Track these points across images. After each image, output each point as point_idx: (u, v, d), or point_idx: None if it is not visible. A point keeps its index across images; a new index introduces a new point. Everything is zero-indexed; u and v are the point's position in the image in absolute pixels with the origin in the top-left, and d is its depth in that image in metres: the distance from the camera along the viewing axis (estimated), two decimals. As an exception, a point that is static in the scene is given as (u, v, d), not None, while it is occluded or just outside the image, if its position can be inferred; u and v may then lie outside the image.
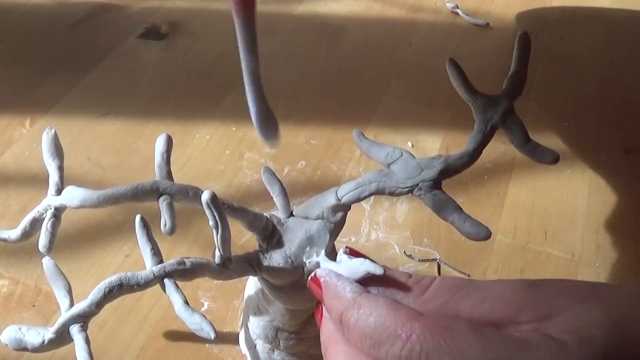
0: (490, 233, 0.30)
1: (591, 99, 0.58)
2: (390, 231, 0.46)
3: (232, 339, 0.40)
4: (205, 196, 0.27)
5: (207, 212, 0.28)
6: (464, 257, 0.45)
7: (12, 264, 0.43)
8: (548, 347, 0.24)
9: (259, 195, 0.48)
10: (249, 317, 0.37)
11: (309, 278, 0.30)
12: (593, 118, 0.56)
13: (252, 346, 0.37)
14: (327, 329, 0.29)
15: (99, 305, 0.27)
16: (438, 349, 0.24)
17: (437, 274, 0.44)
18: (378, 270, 0.27)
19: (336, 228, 0.32)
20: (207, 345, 0.39)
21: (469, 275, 0.43)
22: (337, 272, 0.29)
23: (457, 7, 0.69)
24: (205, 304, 0.41)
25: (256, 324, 0.36)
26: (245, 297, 0.38)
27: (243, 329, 0.38)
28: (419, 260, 0.44)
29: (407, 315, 0.26)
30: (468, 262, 0.44)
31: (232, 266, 0.30)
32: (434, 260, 0.44)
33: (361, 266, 0.28)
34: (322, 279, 0.29)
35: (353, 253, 0.30)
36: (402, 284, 0.28)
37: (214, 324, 0.41)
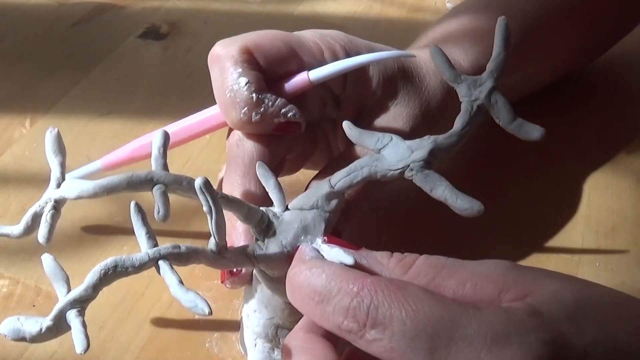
0: (483, 208, 0.30)
1: (591, 98, 0.58)
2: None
3: (232, 338, 0.40)
4: (198, 181, 0.28)
5: (201, 197, 0.28)
6: (463, 257, 0.45)
7: (12, 264, 0.43)
8: (494, 313, 0.25)
9: (259, 195, 0.48)
10: (248, 317, 0.37)
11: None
12: (593, 117, 0.56)
13: (252, 345, 0.37)
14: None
15: (95, 288, 0.27)
16: (388, 302, 0.25)
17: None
18: (347, 260, 0.28)
19: (332, 216, 0.32)
20: (207, 345, 0.39)
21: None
22: (311, 247, 0.30)
23: (457, 7, 0.69)
24: (205, 304, 0.41)
25: (256, 323, 0.36)
26: (245, 296, 0.38)
27: (243, 328, 0.38)
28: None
29: (360, 274, 0.26)
30: (468, 262, 0.44)
31: (228, 255, 0.30)
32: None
33: (336, 256, 0.28)
34: (300, 248, 0.30)
35: (332, 241, 0.31)
36: (376, 272, 0.28)
37: (213, 324, 0.41)
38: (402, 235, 0.46)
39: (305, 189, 0.38)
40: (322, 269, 0.27)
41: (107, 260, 0.28)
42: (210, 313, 0.27)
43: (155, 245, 0.29)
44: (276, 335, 0.36)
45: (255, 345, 0.37)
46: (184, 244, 0.29)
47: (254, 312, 0.36)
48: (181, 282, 0.28)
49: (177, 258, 0.29)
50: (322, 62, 0.39)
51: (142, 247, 0.29)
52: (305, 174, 0.50)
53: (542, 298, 0.25)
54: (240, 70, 0.37)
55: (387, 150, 0.32)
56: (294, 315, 0.34)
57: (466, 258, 0.44)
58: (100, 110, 0.55)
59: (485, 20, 0.47)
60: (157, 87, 0.58)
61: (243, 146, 0.38)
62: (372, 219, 0.46)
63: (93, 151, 0.51)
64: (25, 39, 0.63)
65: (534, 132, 0.33)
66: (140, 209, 0.30)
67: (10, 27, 0.64)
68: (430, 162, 0.31)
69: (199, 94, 0.58)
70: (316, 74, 0.38)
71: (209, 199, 0.28)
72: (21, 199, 0.48)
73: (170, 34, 0.64)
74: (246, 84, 0.37)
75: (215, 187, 0.42)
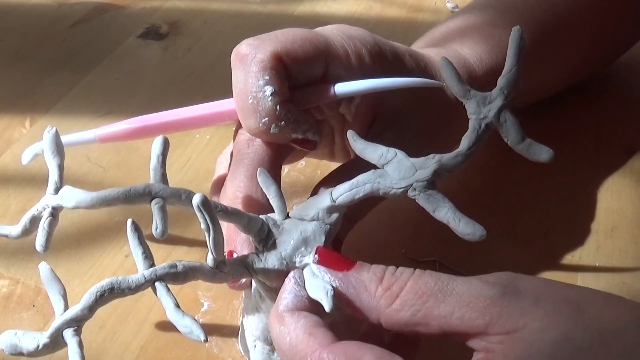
0: (486, 233, 0.30)
1: (592, 99, 0.58)
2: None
3: (232, 339, 0.40)
4: (196, 200, 0.28)
5: (199, 215, 0.28)
6: (463, 257, 0.45)
7: (12, 264, 0.43)
8: None
9: (259, 195, 0.48)
10: (247, 319, 0.37)
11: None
12: (593, 118, 0.56)
13: (251, 347, 0.37)
14: None
15: (91, 309, 0.28)
16: None
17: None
18: (326, 306, 0.28)
19: (332, 229, 0.32)
20: (206, 345, 0.39)
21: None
22: (299, 278, 0.30)
23: (457, 7, 0.69)
24: (205, 304, 0.41)
25: (255, 326, 0.36)
26: (244, 298, 0.38)
27: (242, 329, 0.38)
28: (419, 260, 0.44)
29: (320, 343, 0.27)
30: (467, 262, 0.44)
31: (226, 269, 0.30)
32: (433, 260, 0.44)
33: (316, 293, 0.29)
34: (287, 277, 0.30)
35: (324, 258, 0.30)
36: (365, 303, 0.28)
37: (213, 323, 0.41)
38: (403, 234, 0.46)
39: (312, 193, 0.38)
40: (289, 329, 0.28)
41: (104, 282, 0.28)
42: (206, 340, 0.27)
43: (152, 265, 0.29)
44: (275, 338, 0.36)
45: (255, 346, 0.37)
46: (181, 261, 0.29)
47: (253, 316, 0.36)
48: (177, 305, 0.28)
49: (174, 278, 0.29)
50: (347, 67, 0.38)
51: (139, 267, 0.29)
52: (305, 174, 0.50)
53: (524, 340, 0.25)
54: (267, 77, 0.35)
55: (390, 167, 0.31)
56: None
57: (466, 257, 0.44)
58: (100, 110, 0.55)
59: (494, 20, 0.47)
60: (157, 87, 0.58)
61: (253, 146, 0.37)
62: (373, 218, 0.46)
63: (93, 151, 0.51)
64: (25, 39, 0.63)
65: (542, 153, 0.32)
66: (136, 228, 0.30)
67: (10, 27, 0.64)
68: (434, 182, 0.31)
69: (199, 93, 0.58)
70: (342, 88, 0.37)
71: (207, 217, 0.28)
72: (21, 199, 0.48)
73: (170, 34, 0.64)
74: (271, 94, 0.35)
75: (212, 186, 0.42)
